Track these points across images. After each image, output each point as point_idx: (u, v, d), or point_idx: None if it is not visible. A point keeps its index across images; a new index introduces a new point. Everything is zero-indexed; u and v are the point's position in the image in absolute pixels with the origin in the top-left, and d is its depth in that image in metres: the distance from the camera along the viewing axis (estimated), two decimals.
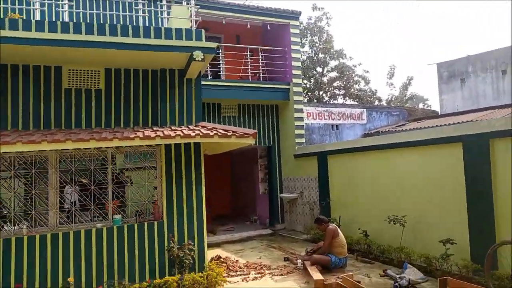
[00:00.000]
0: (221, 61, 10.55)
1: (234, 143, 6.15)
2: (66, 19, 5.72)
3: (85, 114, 6.10)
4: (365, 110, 16.63)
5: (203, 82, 9.58)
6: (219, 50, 10.60)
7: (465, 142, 5.92)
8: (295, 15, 10.93)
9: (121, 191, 5.95)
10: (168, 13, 7.03)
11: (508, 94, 16.36)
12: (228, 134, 5.95)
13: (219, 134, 5.90)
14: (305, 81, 23.61)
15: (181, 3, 7.05)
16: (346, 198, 8.58)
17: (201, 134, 5.77)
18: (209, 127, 6.32)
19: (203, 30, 5.85)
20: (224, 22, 10.17)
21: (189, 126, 6.38)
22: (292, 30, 10.86)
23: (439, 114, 18.08)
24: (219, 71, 10.54)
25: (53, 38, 5.13)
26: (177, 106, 6.46)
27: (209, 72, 10.22)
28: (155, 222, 6.00)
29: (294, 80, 10.83)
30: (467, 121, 11.46)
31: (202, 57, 5.70)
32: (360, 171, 8.21)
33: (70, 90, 6.06)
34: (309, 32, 23.09)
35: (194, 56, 5.65)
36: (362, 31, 45.67)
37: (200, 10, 9.87)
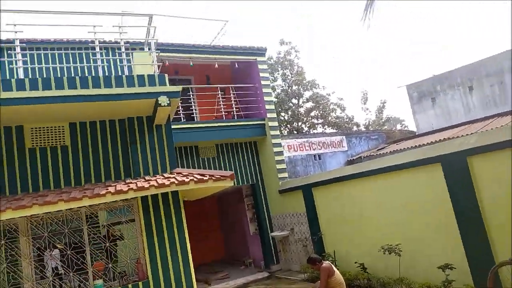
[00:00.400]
0: (193, 102, 10.54)
1: (212, 188, 5.98)
2: (21, 76, 5.59)
3: (52, 174, 5.85)
4: (344, 137, 16.85)
5: (177, 126, 9.51)
6: (190, 92, 10.61)
7: (444, 162, 5.95)
8: (261, 51, 11.18)
9: (100, 252, 5.59)
10: (129, 61, 7.04)
11: (478, 108, 17.02)
12: (205, 178, 5.79)
13: (195, 179, 5.73)
14: (282, 114, 23.92)
15: (143, 49, 7.10)
16: (337, 231, 8.39)
17: (176, 182, 5.59)
18: (184, 173, 6.15)
19: (166, 75, 5.83)
20: (191, 64, 10.26)
21: (164, 174, 6.20)
22: (260, 66, 11.07)
23: (416, 134, 18.47)
24: (193, 113, 10.50)
25: (10, 97, 4.97)
26: (149, 154, 6.31)
27: (182, 115, 10.15)
28: (140, 283, 5.63)
29: (269, 115, 10.89)
30: (444, 138, 11.70)
31: (168, 102, 5.64)
32: (347, 200, 8.10)
33: (34, 150, 5.83)
34: (280, 66, 23.73)
35: (159, 102, 5.59)
36: (329, 60, 47.37)
37: (167, 54, 9.97)
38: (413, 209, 6.56)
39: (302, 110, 24.34)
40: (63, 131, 6.04)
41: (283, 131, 23.99)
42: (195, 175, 6.00)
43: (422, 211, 6.40)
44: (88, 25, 5.83)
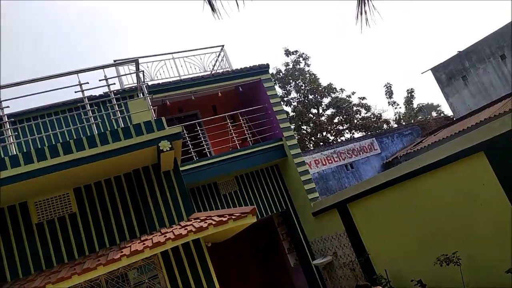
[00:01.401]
0: (203, 137, 10.55)
1: (234, 228, 5.82)
2: (15, 151, 5.71)
3: (64, 246, 5.87)
4: (374, 139, 16.42)
5: (189, 166, 9.53)
6: (198, 127, 10.64)
7: (487, 149, 5.56)
8: (263, 68, 11.18)
9: None
10: (122, 112, 7.12)
11: None
12: (224, 220, 5.65)
13: (213, 223, 5.60)
14: (304, 127, 23.76)
15: (139, 95, 7.22)
16: (385, 247, 7.98)
17: (194, 229, 5.48)
18: (202, 218, 6.04)
19: (163, 118, 5.82)
20: (193, 98, 10.33)
21: (181, 223, 6.11)
22: (265, 84, 11.03)
23: (454, 119, 17.77)
24: (204, 149, 10.49)
25: (6, 176, 5.07)
26: (162, 204, 6.26)
27: (193, 153, 10.16)
28: None
29: (285, 133, 10.75)
30: (484, 119, 11.12)
31: (170, 146, 5.61)
32: (389, 211, 7.73)
33: (41, 224, 5.89)
34: (291, 77, 23.75)
35: (161, 148, 5.56)
36: (341, 59, 47.22)
37: (166, 93, 10.11)
38: (464, 209, 6.14)
39: (323, 118, 24.11)
40: (69, 199, 6.10)
41: (308, 145, 23.78)
42: (213, 218, 5.87)
43: (475, 210, 5.97)
44: (73, 85, 5.96)
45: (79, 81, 6.02)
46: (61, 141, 5.68)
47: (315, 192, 10.47)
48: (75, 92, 6.01)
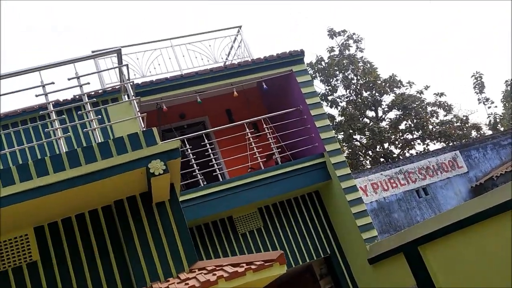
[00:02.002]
0: (212, 154, 10.60)
1: (255, 283, 5.75)
2: None
3: None
4: (458, 152, 16.09)
5: (193, 195, 9.63)
6: (205, 140, 10.71)
7: None
8: (295, 56, 11.21)
9: None
10: (101, 121, 7.24)
11: None
12: (240, 271, 5.59)
13: (225, 275, 5.55)
14: (356, 136, 23.57)
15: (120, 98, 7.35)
16: None
17: (197, 285, 5.44)
18: (209, 268, 6.01)
19: (154, 129, 5.87)
20: (199, 99, 10.43)
21: (180, 276, 6.10)
22: (299, 78, 11.04)
23: None
24: (215, 170, 10.53)
25: None
26: (154, 249, 6.27)
27: (200, 177, 10.20)
28: None
29: (329, 147, 10.68)
30: None
31: (164, 167, 5.64)
32: (484, 257, 7.47)
33: None
34: (337, 68, 23.68)
35: (151, 171, 5.59)
36: (406, 40, 46.78)
37: (162, 94, 10.26)
38: None
39: (385, 124, 23.84)
40: (28, 242, 6.19)
41: (362, 162, 23.46)
42: (225, 268, 5.82)
43: None
44: (33, 86, 6.10)
45: (42, 81, 6.16)
46: (15, 163, 5.81)
47: (373, 229, 10.31)
48: (36, 96, 6.15)
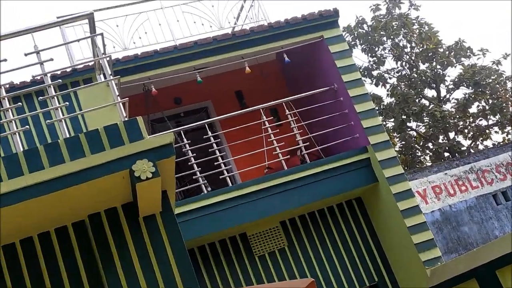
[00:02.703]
0: (218, 151, 10.60)
1: None
2: None
3: None
4: None
5: (192, 206, 9.65)
6: (209, 133, 10.73)
7: None
8: (326, 18, 11.19)
9: None
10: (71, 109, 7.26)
11: None
12: None
13: None
14: (410, 124, 23.41)
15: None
16: None
17: None
18: None
19: (139, 119, 5.88)
20: (199, 79, 10.45)
21: None
22: (333, 47, 11.03)
23: None
24: (222, 172, 10.55)
25: None
26: (142, 278, 6.28)
27: (202, 182, 10.22)
28: None
29: (373, 139, 10.68)
30: None
31: (152, 169, 5.64)
32: None
33: None
34: (383, 32, 23.55)
35: (135, 174, 5.60)
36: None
37: (150, 72, 10.29)
38: None
39: (450, 107, 23.65)
40: None
41: (419, 158, 23.25)
42: None
43: None
44: None
45: None
46: None
47: (435, 248, 10.36)
48: None
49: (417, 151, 23.75)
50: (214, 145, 10.68)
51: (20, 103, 7.07)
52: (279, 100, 11.29)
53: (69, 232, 6.52)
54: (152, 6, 11.06)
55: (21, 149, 5.98)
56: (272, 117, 11.80)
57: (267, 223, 10.52)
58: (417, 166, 22.65)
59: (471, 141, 23.47)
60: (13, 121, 6.31)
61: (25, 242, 6.46)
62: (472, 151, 22.11)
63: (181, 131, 10.45)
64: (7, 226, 6.08)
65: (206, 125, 11.06)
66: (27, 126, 6.91)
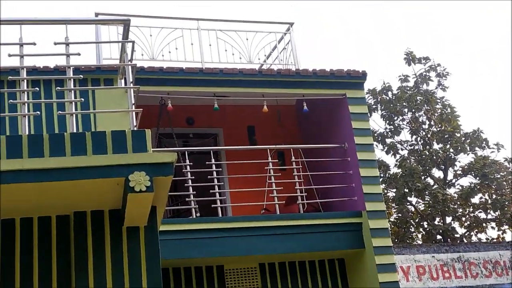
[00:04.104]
0: (217, 179, 10.62)
1: None
2: None
3: None
4: None
5: (180, 227, 9.67)
6: (213, 160, 10.76)
7: None
8: (355, 79, 11.27)
9: None
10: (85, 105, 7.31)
11: None
12: None
13: None
14: (411, 199, 23.32)
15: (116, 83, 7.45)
16: None
17: None
18: None
19: (147, 131, 5.92)
20: (216, 105, 10.52)
21: None
22: (352, 108, 11.10)
23: None
24: (216, 201, 10.54)
25: None
26: (110, 282, 6.26)
27: (194, 205, 10.21)
28: None
29: (370, 206, 10.68)
30: None
31: (148, 184, 5.64)
32: None
33: None
34: (406, 104, 23.62)
35: (130, 184, 5.61)
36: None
37: (170, 87, 10.37)
38: None
39: (453, 191, 23.57)
40: None
41: (411, 235, 23.10)
42: None
43: None
44: (9, 42, 6.23)
45: (20, 39, 6.28)
46: None
47: None
48: (9, 55, 6.27)
49: (411, 226, 23.64)
50: (215, 173, 10.70)
51: (37, 88, 7.15)
52: (288, 146, 11.35)
53: (51, 223, 6.52)
54: (189, 25, 11.20)
55: (26, 133, 6.02)
56: (278, 160, 11.82)
57: (246, 262, 10.48)
58: (407, 241, 22.53)
59: (466, 230, 23.35)
60: (26, 104, 6.38)
61: (6, 224, 6.47)
62: (464, 240, 22.00)
63: (186, 152, 10.48)
64: None
65: (212, 151, 11.12)
66: (38, 112, 6.98)
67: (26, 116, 6.21)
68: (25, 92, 6.37)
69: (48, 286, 6.36)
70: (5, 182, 5.60)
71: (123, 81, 8.62)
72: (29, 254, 6.42)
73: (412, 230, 23.74)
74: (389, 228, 10.85)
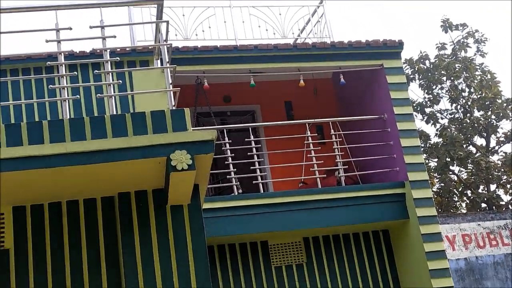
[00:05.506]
0: (257, 156, 10.64)
1: None
2: None
3: None
4: None
5: (219, 204, 9.73)
6: (252, 136, 10.77)
7: None
8: (392, 48, 11.18)
9: None
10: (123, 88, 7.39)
11: None
12: None
13: None
14: (454, 168, 23.12)
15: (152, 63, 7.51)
16: None
17: None
18: None
19: (186, 110, 5.96)
20: (253, 82, 10.51)
21: None
22: (390, 78, 10.99)
23: None
24: (256, 177, 10.58)
25: None
26: (157, 264, 6.35)
27: (235, 182, 10.26)
28: None
29: (413, 176, 10.60)
30: None
31: (190, 162, 5.70)
32: None
33: None
34: (444, 72, 23.31)
35: (172, 163, 5.67)
36: None
37: (205, 66, 10.41)
38: None
39: (496, 158, 23.26)
40: (2, 222, 6.43)
41: (455, 204, 22.90)
42: None
43: None
44: (45, 28, 6.31)
45: (57, 24, 6.36)
46: (6, 120, 6.01)
47: None
48: (46, 41, 6.36)
49: (455, 196, 23.42)
50: (254, 149, 10.73)
51: (75, 72, 7.25)
52: (327, 119, 11.29)
53: (96, 205, 6.67)
54: (221, 3, 11.19)
55: (68, 117, 6.12)
56: (316, 134, 11.80)
57: (290, 236, 10.51)
58: (451, 211, 22.34)
59: (511, 197, 23.04)
60: (66, 88, 6.48)
61: (53, 206, 6.62)
62: (510, 207, 21.72)
63: (225, 130, 10.52)
64: (42, 187, 6.26)
65: (250, 128, 11.15)
66: (77, 96, 7.08)
67: (67, 101, 6.32)
68: (64, 77, 6.46)
69: (97, 265, 6.52)
70: (50, 166, 5.72)
71: (159, 61, 8.67)
72: (77, 235, 6.58)
73: (456, 199, 23.54)
74: (433, 197, 10.76)
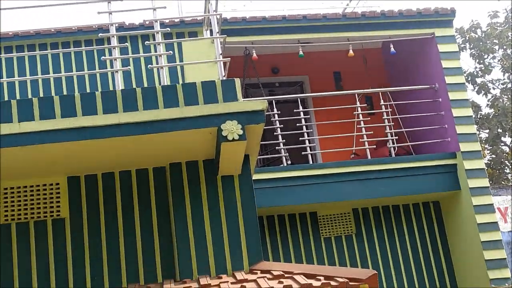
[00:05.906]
0: (306, 127, 10.61)
1: None
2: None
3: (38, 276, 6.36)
4: None
5: (269, 175, 9.77)
6: (300, 107, 10.74)
7: None
8: (443, 16, 10.98)
9: None
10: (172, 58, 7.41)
11: None
12: (315, 285, 5.61)
13: (294, 287, 5.60)
14: (506, 140, 22.72)
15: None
16: None
17: None
18: (276, 273, 6.07)
19: (236, 80, 5.96)
20: (301, 52, 10.45)
21: (236, 275, 6.21)
22: (442, 47, 10.81)
23: None
24: (306, 149, 10.56)
25: None
26: (209, 235, 6.43)
27: (284, 153, 10.27)
28: None
29: (464, 147, 10.45)
30: None
31: (240, 132, 5.72)
32: None
33: (8, 227, 6.44)
34: (496, 41, 22.83)
35: (223, 134, 5.70)
36: None
37: (253, 37, 10.38)
38: None
39: None
40: (58, 193, 6.57)
41: (508, 175, 22.51)
42: (296, 277, 5.86)
43: None
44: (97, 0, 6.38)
45: None
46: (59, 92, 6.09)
47: (505, 268, 10.13)
48: (98, 13, 6.42)
49: (506, 167, 23.03)
50: (303, 120, 10.69)
51: (126, 43, 7.29)
52: (377, 89, 11.21)
53: (148, 175, 6.78)
54: None
55: (119, 88, 6.18)
56: (366, 104, 11.71)
57: (339, 207, 10.50)
58: (503, 183, 21.99)
59: None
60: (117, 60, 6.54)
61: (106, 176, 6.73)
62: None
63: (273, 101, 10.51)
64: (95, 157, 6.37)
65: (298, 99, 11.10)
66: (129, 67, 7.16)
67: (118, 72, 6.38)
68: (116, 48, 6.52)
69: (150, 234, 6.66)
70: (103, 137, 5.81)
71: (208, 32, 8.68)
72: (130, 205, 6.69)
73: (507, 171, 23.13)
74: (485, 169, 10.58)
